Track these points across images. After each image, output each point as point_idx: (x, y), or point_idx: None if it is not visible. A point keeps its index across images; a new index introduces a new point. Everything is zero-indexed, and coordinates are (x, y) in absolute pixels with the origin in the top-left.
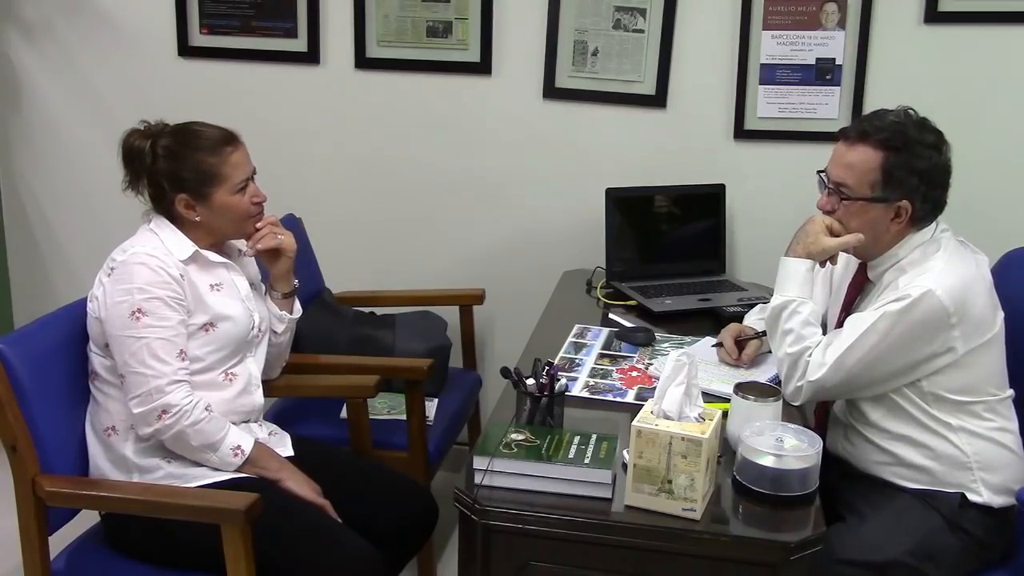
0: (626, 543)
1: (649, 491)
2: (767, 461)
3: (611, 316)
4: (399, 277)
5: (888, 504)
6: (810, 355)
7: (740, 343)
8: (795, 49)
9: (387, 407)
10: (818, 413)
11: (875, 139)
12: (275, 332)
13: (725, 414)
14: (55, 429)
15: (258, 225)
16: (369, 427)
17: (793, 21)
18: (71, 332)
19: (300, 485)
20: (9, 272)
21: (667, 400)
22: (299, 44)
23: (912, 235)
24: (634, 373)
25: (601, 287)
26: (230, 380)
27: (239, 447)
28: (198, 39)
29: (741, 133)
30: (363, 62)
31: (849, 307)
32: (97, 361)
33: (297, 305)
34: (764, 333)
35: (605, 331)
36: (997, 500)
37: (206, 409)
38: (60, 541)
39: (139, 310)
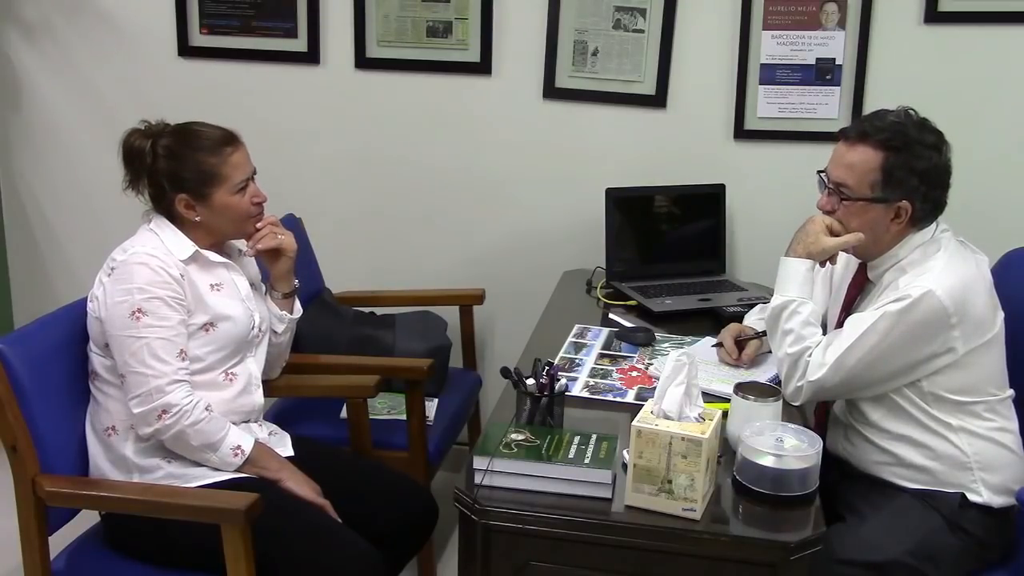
0: (626, 543)
1: (649, 491)
2: (767, 461)
3: (611, 316)
4: (399, 277)
5: (888, 504)
6: (810, 355)
7: (740, 343)
8: (795, 49)
9: (387, 407)
10: (818, 413)
11: (875, 139)
12: (275, 332)
13: (725, 414)
14: (55, 429)
15: (258, 225)
16: (369, 427)
17: (793, 21)
18: (71, 332)
19: (300, 485)
20: (9, 272)
21: (667, 400)
22: (299, 44)
23: (912, 235)
24: (634, 373)
25: (601, 287)
26: (230, 380)
27: (239, 447)
28: (198, 39)
29: (741, 133)
30: (363, 62)
31: (849, 307)
32: (97, 361)
33: (297, 305)
34: (764, 333)
35: (605, 331)
36: (997, 500)
37: (206, 409)
38: (60, 541)
39: (139, 310)
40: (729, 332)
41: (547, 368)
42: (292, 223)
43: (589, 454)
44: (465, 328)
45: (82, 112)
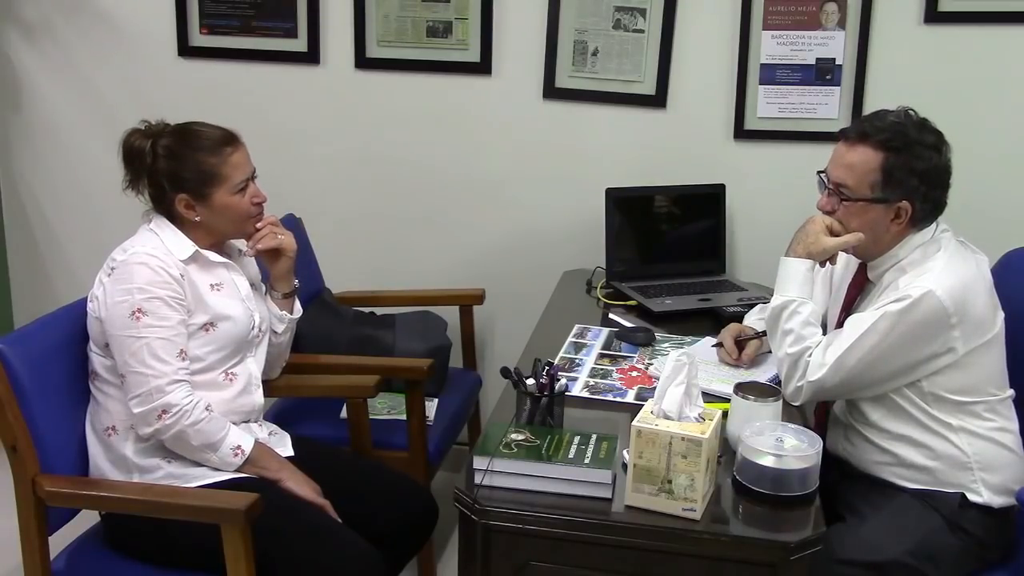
0: (626, 543)
1: (649, 491)
2: (767, 461)
3: (611, 316)
4: (399, 277)
5: (888, 504)
6: (810, 355)
7: (740, 343)
8: (795, 49)
9: (387, 407)
10: (818, 413)
11: (875, 140)
12: (275, 332)
13: (725, 414)
14: (55, 429)
15: (258, 225)
16: (369, 427)
17: (793, 21)
18: (71, 332)
19: (300, 485)
20: (9, 272)
21: (667, 400)
22: (299, 44)
23: (912, 235)
24: (634, 373)
25: (601, 287)
26: (230, 380)
27: (239, 447)
28: (198, 39)
29: (741, 133)
30: (363, 62)
31: (849, 307)
32: (97, 361)
33: (297, 305)
34: (764, 333)
35: (605, 331)
36: (997, 500)
37: (206, 409)
38: (60, 541)
39: (139, 310)
40: (729, 332)
41: (547, 368)
42: (292, 223)
43: (589, 454)
44: (465, 328)
45: (82, 112)
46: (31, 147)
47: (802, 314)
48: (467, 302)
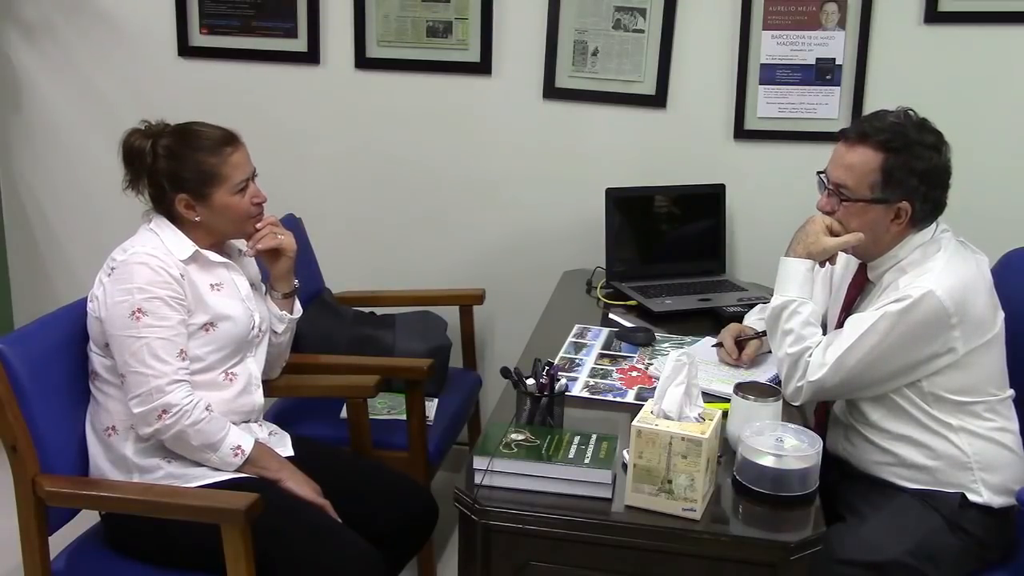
0: (626, 543)
1: (649, 491)
2: (767, 461)
3: (611, 316)
4: (399, 277)
5: (888, 504)
6: (810, 355)
7: (740, 343)
8: (795, 49)
9: (387, 407)
10: (818, 413)
11: (875, 140)
12: (275, 332)
13: (725, 414)
14: (55, 429)
15: (258, 226)
16: (369, 427)
17: (793, 21)
18: (71, 332)
19: (300, 485)
20: (9, 272)
21: (667, 400)
22: (299, 44)
23: (912, 236)
24: (634, 373)
25: (601, 287)
26: (230, 380)
27: (239, 447)
28: (198, 39)
29: (741, 133)
30: (363, 62)
31: (849, 307)
32: (97, 361)
33: (297, 305)
34: (764, 333)
35: (605, 331)
36: (997, 500)
37: (206, 409)
38: (60, 541)
39: (139, 310)
40: (729, 332)
41: (547, 368)
42: (292, 223)
43: (589, 454)
44: (465, 328)
45: (82, 112)
46: (31, 147)
47: (802, 314)
48: (467, 302)
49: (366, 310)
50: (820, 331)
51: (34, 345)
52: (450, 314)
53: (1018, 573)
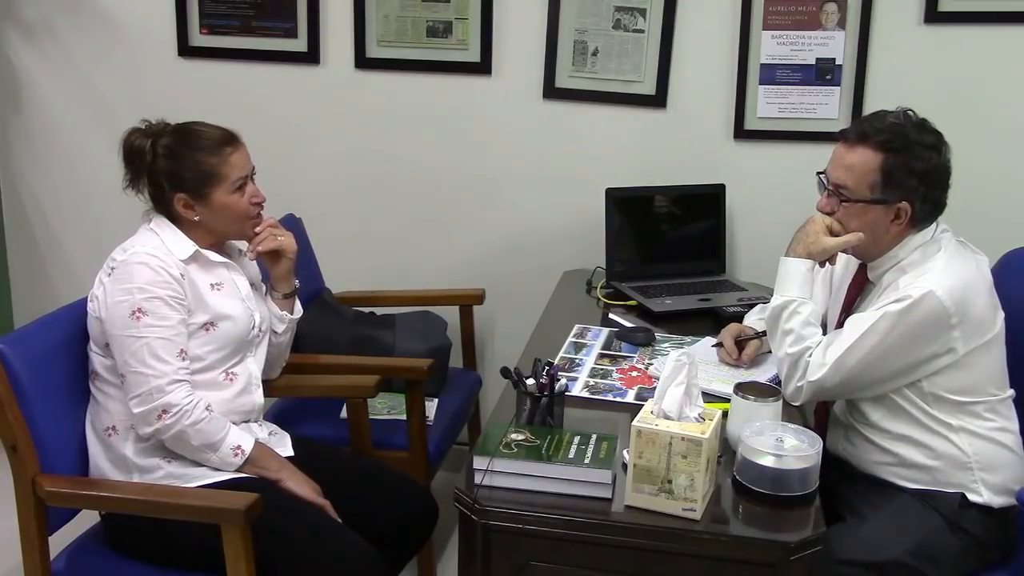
0: (626, 543)
1: (649, 491)
2: (767, 461)
3: (611, 316)
4: (399, 277)
5: (888, 504)
6: (810, 355)
7: (740, 343)
8: (795, 49)
9: (387, 407)
10: (818, 413)
11: (874, 141)
12: (275, 332)
13: (725, 414)
14: (55, 429)
15: (257, 229)
16: (369, 427)
17: (793, 21)
18: (71, 332)
19: (300, 485)
20: (9, 272)
21: (667, 400)
22: (299, 44)
23: (912, 236)
24: (634, 373)
25: (601, 287)
26: (231, 380)
27: (239, 447)
28: (198, 39)
29: (741, 133)
30: (363, 62)
31: (849, 308)
32: (97, 361)
33: (298, 305)
34: (764, 333)
35: (605, 331)
36: (997, 500)
37: (207, 409)
38: (60, 541)
39: (139, 310)
40: (729, 332)
41: (547, 368)
42: (292, 223)
43: (589, 454)
44: (465, 328)
45: (82, 112)
46: (31, 147)
47: (802, 314)
48: (467, 302)
49: (366, 310)
50: (820, 331)
51: (34, 345)
52: (450, 314)
53: (1018, 573)
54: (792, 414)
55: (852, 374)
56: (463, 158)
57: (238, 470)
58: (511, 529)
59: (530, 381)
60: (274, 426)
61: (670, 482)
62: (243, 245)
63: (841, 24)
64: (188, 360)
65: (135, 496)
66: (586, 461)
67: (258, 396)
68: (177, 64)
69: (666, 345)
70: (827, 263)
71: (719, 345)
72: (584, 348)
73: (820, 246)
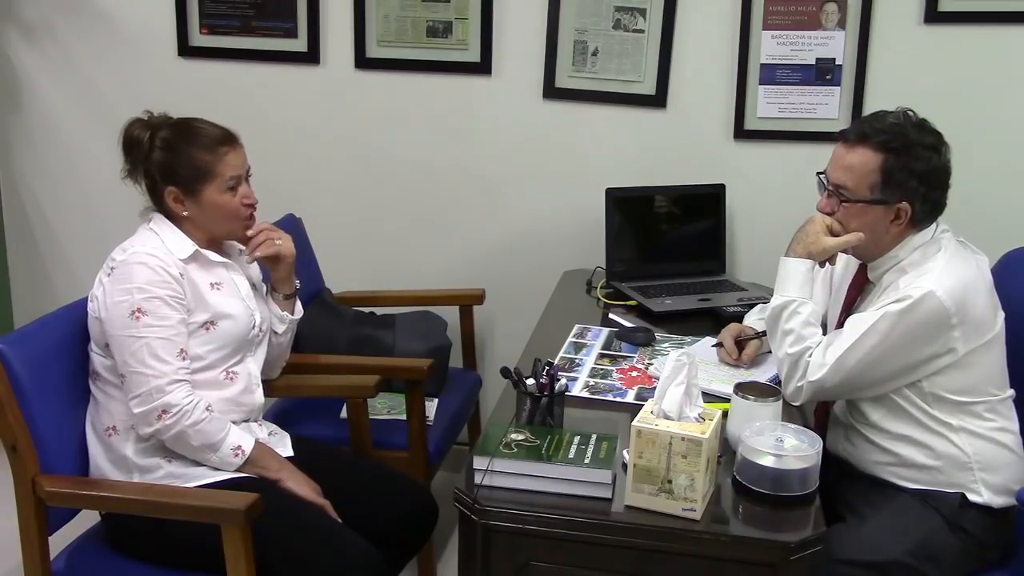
0: (626, 543)
1: (649, 491)
2: (767, 461)
3: (611, 316)
4: (399, 277)
5: (888, 504)
6: (810, 355)
7: (740, 343)
8: (795, 49)
9: (387, 407)
10: (818, 413)
11: (874, 141)
12: (275, 332)
13: (725, 414)
14: (55, 429)
15: (250, 232)
16: (369, 427)
17: (793, 21)
18: (71, 332)
19: (300, 485)
20: (9, 272)
21: (667, 400)
22: (299, 44)
23: (912, 236)
24: (634, 373)
25: (601, 287)
26: (231, 379)
27: (239, 447)
28: (198, 39)
29: (741, 133)
30: (363, 62)
31: (849, 308)
32: (98, 361)
33: (299, 306)
34: (764, 333)
35: (605, 331)
36: (997, 500)
37: (207, 409)
38: (60, 541)
39: (139, 310)
40: (729, 332)
41: (547, 368)
42: (292, 223)
43: (589, 454)
44: (465, 328)
45: (82, 112)
46: (31, 147)
47: (802, 314)
48: (467, 302)
49: (366, 310)
50: (820, 331)
51: (34, 345)
52: (450, 314)
53: (1018, 573)
54: (792, 414)
55: (852, 374)
56: (463, 158)
57: (238, 470)
58: (511, 529)
59: (530, 381)
60: (274, 426)
61: (670, 482)
62: (243, 245)
63: (841, 24)
64: (188, 360)
65: (135, 496)
66: (586, 461)
67: (258, 395)
68: (177, 64)
69: (666, 345)
70: (827, 263)
71: (719, 345)
72: (584, 348)
73: (820, 246)
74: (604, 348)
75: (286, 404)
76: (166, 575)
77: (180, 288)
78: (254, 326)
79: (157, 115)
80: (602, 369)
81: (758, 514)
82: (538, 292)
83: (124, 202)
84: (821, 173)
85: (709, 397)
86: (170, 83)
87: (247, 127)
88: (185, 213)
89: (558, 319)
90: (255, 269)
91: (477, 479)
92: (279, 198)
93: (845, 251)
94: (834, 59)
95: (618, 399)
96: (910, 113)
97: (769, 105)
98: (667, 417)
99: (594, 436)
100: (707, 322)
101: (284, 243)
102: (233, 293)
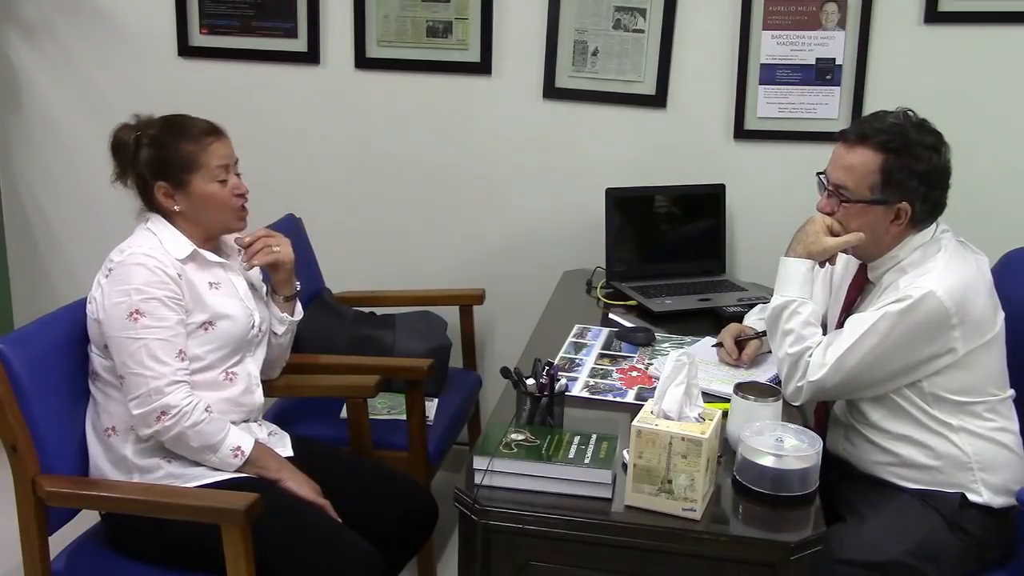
0: (626, 543)
1: (649, 491)
2: (767, 461)
3: (611, 316)
4: (399, 277)
5: (888, 504)
6: (810, 355)
7: (740, 343)
8: (795, 49)
9: (387, 407)
10: (818, 413)
11: (874, 141)
12: (275, 333)
13: (725, 414)
14: (55, 429)
15: (248, 241)
16: (369, 427)
17: (793, 21)
18: (71, 332)
19: (300, 485)
20: (9, 272)
21: (667, 400)
22: (299, 44)
23: (912, 236)
24: (634, 373)
25: (601, 287)
26: (231, 379)
27: (239, 448)
28: (198, 39)
29: (741, 133)
30: (363, 62)
31: (849, 308)
32: (97, 362)
33: (299, 307)
34: (764, 333)
35: (605, 331)
36: (997, 500)
37: (206, 410)
38: (60, 541)
39: (137, 311)
40: (729, 332)
41: (547, 368)
42: (292, 223)
43: (589, 454)
44: (465, 328)
45: (82, 112)
46: (31, 147)
47: (802, 314)
48: (467, 302)
49: (366, 310)
50: (820, 331)
51: (34, 345)
52: (450, 314)
53: (1018, 573)
54: (792, 414)
55: (852, 374)
56: (463, 158)
57: (238, 470)
58: (511, 529)
59: (530, 381)
60: (274, 426)
61: (670, 482)
62: (241, 247)
63: (841, 24)
64: (187, 361)
65: (135, 496)
66: (586, 461)
67: (258, 396)
68: (177, 64)
69: (666, 345)
70: (827, 263)
71: (719, 345)
72: (584, 348)
73: (820, 246)
74: (604, 348)
75: (286, 404)
76: (166, 575)
77: (178, 289)
78: (253, 326)
79: (144, 117)
80: (602, 369)
81: (758, 514)
82: (538, 292)
83: (124, 202)
84: (821, 173)
85: (709, 397)
86: (170, 83)
87: (247, 127)
88: (176, 208)
89: (558, 319)
90: (255, 270)
91: (477, 479)
92: (279, 198)
93: (845, 251)
94: (834, 59)
95: (618, 399)
96: (910, 113)
97: (769, 105)
98: (667, 417)
99: (594, 436)
100: (707, 322)
101: (283, 249)
102: (231, 293)
